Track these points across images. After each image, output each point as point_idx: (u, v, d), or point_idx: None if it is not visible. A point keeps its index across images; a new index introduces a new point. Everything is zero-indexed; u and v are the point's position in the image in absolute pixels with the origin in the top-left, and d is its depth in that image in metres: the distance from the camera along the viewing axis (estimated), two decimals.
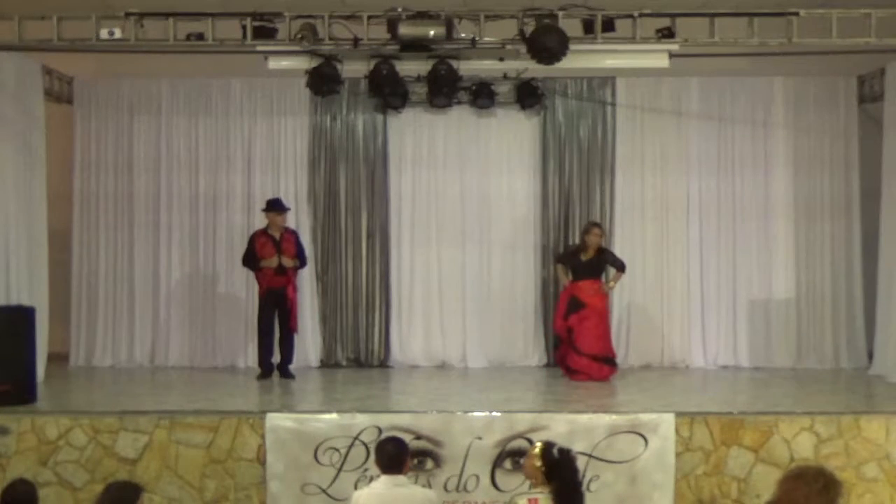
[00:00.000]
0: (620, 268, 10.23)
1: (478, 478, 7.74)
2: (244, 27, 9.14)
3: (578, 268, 10.13)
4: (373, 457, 7.24)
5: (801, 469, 4.00)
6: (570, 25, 9.06)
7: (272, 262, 9.84)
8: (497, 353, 11.17)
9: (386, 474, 5.60)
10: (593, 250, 10.10)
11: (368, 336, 11.19)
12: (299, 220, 11.01)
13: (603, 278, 10.28)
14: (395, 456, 5.66)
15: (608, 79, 11.13)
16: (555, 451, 5.47)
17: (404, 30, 9.01)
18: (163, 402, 9.00)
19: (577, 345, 9.96)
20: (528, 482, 5.73)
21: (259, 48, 9.39)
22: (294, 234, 10.21)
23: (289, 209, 10.21)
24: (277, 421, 7.81)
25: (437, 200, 11.27)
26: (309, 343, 10.99)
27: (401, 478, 5.61)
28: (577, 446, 7.62)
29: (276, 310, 9.95)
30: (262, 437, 7.77)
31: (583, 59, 9.48)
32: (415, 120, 11.26)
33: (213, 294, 11.20)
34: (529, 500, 5.57)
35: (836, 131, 11.12)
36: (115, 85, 11.26)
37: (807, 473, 3.95)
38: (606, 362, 10.07)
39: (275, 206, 10.05)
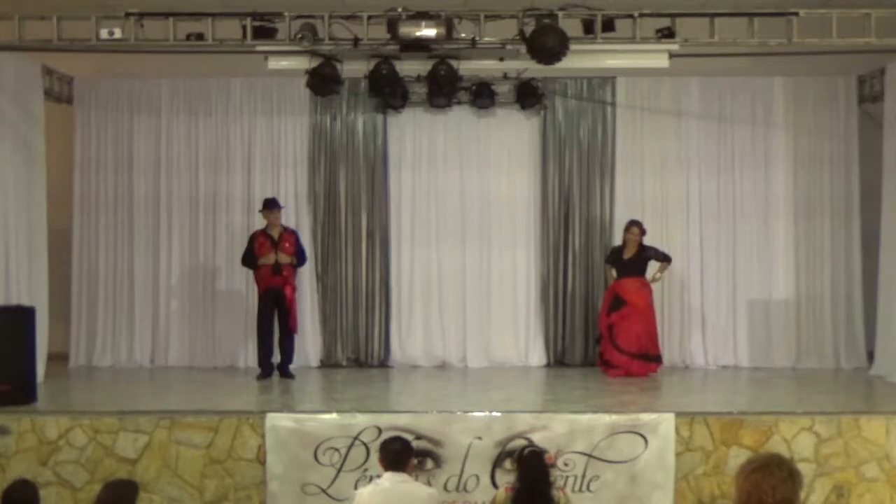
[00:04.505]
0: (664, 259, 10.36)
1: (478, 478, 7.74)
2: (244, 27, 9.14)
3: (621, 266, 10.37)
4: (373, 457, 7.30)
5: (761, 460, 3.85)
6: (570, 25, 9.06)
7: (268, 258, 9.85)
8: (497, 353, 11.17)
9: (390, 472, 5.70)
10: (633, 248, 10.29)
11: (368, 336, 11.19)
12: (299, 220, 11.02)
13: (647, 276, 10.39)
14: (399, 452, 5.78)
15: (608, 79, 11.13)
16: (525, 451, 5.93)
17: (404, 30, 9.01)
18: (163, 402, 9.01)
19: (617, 342, 10.16)
20: None
21: (259, 48, 9.39)
22: (293, 234, 10.21)
23: (282, 207, 10.20)
24: (277, 421, 7.81)
25: (437, 200, 11.27)
26: (309, 343, 10.99)
27: (404, 475, 5.71)
28: (576, 446, 7.69)
29: (276, 310, 9.96)
30: (262, 437, 7.77)
31: (583, 59, 9.49)
32: (415, 120, 11.27)
33: (213, 294, 11.20)
34: (507, 489, 6.00)
35: (835, 131, 11.12)
36: (115, 85, 11.26)
37: (770, 464, 3.81)
38: (647, 359, 10.21)
39: (267, 205, 10.06)
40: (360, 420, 7.82)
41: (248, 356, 10.75)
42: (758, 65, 10.97)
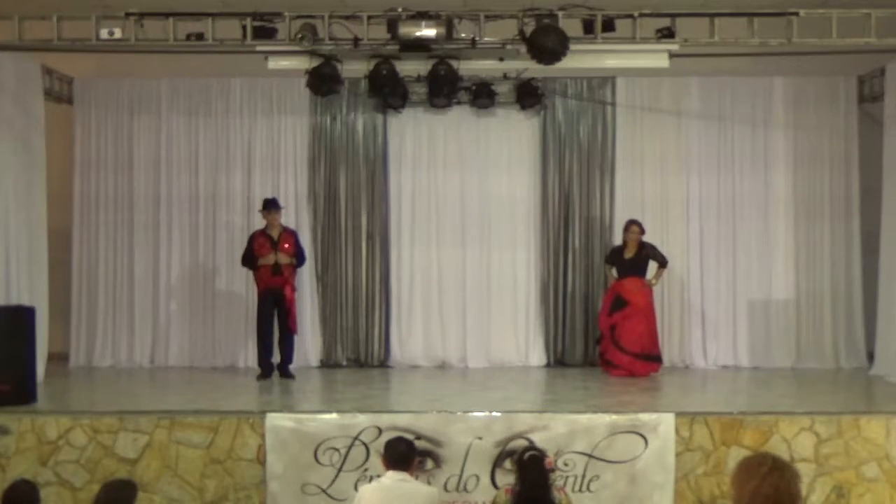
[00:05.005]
0: (662, 263, 10.36)
1: (478, 478, 7.75)
2: (244, 27, 9.15)
3: (622, 266, 10.36)
4: (373, 457, 7.31)
5: (769, 462, 3.86)
6: (570, 25, 9.07)
7: (268, 259, 9.86)
8: (497, 353, 11.17)
9: (392, 470, 5.78)
10: (634, 247, 10.29)
11: (368, 336, 11.19)
12: (299, 220, 11.02)
13: (648, 274, 10.41)
14: (404, 453, 5.86)
15: (608, 79, 11.13)
16: (526, 455, 5.88)
17: (404, 30, 9.01)
18: (163, 402, 9.00)
19: (619, 342, 10.17)
20: None
21: (259, 48, 9.40)
22: (293, 234, 10.22)
23: (282, 207, 10.21)
24: (277, 421, 7.81)
25: (437, 200, 11.27)
26: (309, 343, 11.00)
27: (405, 474, 5.79)
28: (577, 446, 7.69)
29: (276, 310, 9.96)
30: (262, 437, 7.77)
31: (583, 59, 9.48)
32: (415, 120, 11.27)
33: (213, 294, 11.21)
34: (506, 490, 6.08)
35: (835, 131, 11.12)
36: (115, 85, 11.26)
37: (779, 463, 3.85)
38: (649, 359, 10.22)
39: (267, 205, 10.06)
40: (361, 420, 7.82)
41: (248, 356, 10.75)
42: (758, 65, 10.97)
